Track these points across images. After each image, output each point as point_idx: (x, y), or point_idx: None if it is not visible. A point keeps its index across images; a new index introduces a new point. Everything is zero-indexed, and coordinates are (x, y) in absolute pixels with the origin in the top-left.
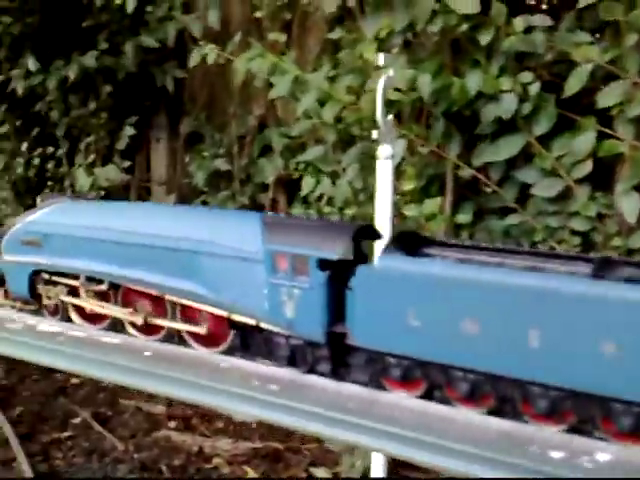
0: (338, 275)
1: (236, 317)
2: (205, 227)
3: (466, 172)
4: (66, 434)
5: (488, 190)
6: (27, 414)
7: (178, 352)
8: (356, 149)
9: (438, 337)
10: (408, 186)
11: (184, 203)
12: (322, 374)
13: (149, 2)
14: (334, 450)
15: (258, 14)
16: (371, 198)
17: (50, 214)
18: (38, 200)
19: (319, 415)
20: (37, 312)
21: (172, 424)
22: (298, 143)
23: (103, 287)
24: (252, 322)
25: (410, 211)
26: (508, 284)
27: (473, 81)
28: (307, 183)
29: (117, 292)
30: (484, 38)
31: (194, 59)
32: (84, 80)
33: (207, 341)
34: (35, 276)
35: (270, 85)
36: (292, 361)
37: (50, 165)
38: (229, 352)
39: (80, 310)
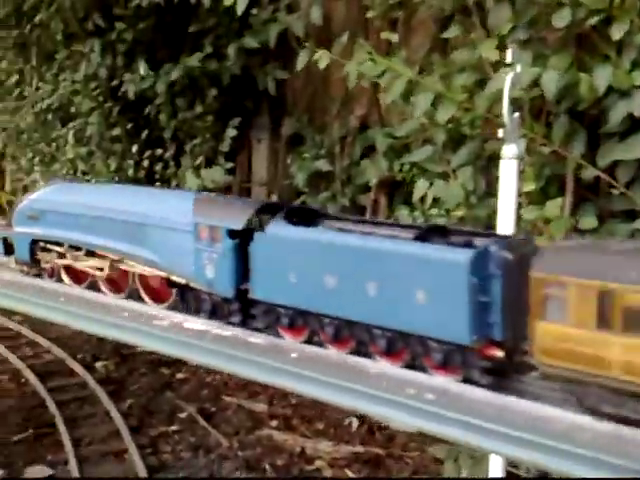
0: (245, 242)
1: (174, 278)
2: (152, 204)
3: (589, 173)
4: (173, 428)
5: (614, 192)
6: (136, 407)
7: (323, 354)
8: (467, 149)
9: (310, 291)
10: (527, 187)
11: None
12: (233, 324)
13: (254, 5)
14: (437, 457)
15: (369, 14)
16: (481, 200)
17: (46, 193)
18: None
19: (479, 427)
20: (39, 275)
21: (273, 423)
22: (402, 144)
23: (81, 253)
24: (184, 282)
25: (529, 214)
26: (352, 246)
27: (603, 77)
28: (419, 186)
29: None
30: (617, 32)
31: (301, 62)
32: (191, 84)
33: (157, 298)
34: (34, 244)
35: (374, 86)
36: (213, 314)
37: (158, 167)
38: (173, 308)
39: (70, 272)
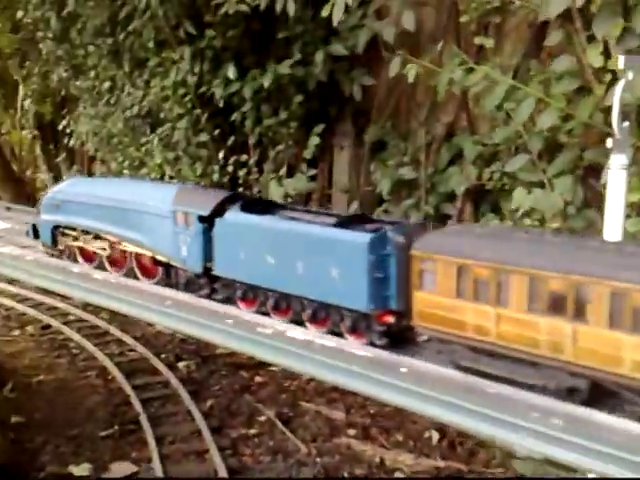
0: (211, 227)
1: (158, 257)
2: (144, 194)
3: None
4: (253, 431)
5: None
6: (217, 408)
7: (435, 371)
8: (564, 158)
9: (256, 268)
10: (632, 198)
11: (366, 211)
12: (202, 296)
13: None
14: (521, 474)
15: (463, 19)
16: (580, 211)
17: (66, 186)
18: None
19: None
20: (59, 256)
21: (351, 432)
22: (492, 152)
23: (90, 237)
24: (165, 260)
25: (633, 226)
26: (284, 230)
27: None
28: (516, 196)
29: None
30: None
31: (392, 69)
32: (277, 90)
33: (148, 274)
34: (56, 230)
35: (464, 92)
36: (187, 286)
37: (242, 172)
38: (159, 283)
39: (83, 253)
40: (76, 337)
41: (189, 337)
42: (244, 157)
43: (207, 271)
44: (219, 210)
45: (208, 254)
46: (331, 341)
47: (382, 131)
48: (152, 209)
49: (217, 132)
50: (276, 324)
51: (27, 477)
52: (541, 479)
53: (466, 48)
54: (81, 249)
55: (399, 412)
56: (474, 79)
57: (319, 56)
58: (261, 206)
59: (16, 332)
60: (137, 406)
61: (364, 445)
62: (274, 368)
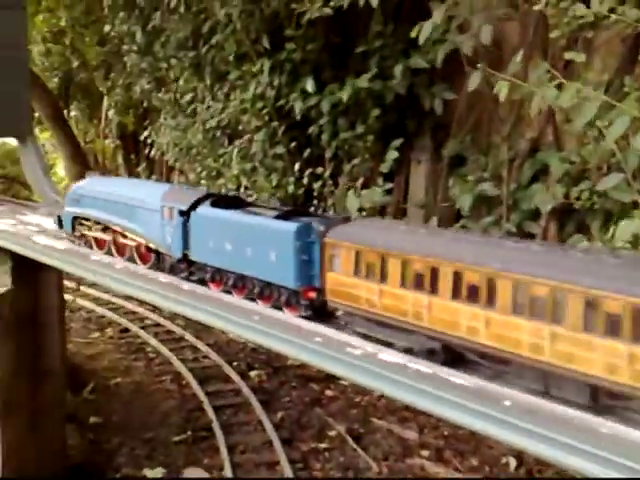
0: (189, 220)
1: (151, 245)
2: (142, 191)
3: None
4: (323, 445)
5: None
6: (287, 419)
7: (535, 405)
8: None
9: (219, 253)
10: None
11: (443, 227)
12: (182, 278)
13: None
14: None
15: (553, 34)
16: None
17: (85, 183)
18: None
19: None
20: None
21: (424, 452)
22: (580, 170)
23: (99, 227)
24: (155, 247)
25: None
26: (237, 221)
27: None
28: (623, 226)
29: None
30: None
31: (473, 83)
32: (354, 104)
33: (144, 260)
34: (75, 220)
35: (550, 108)
36: (172, 270)
37: (317, 185)
38: (152, 267)
39: (97, 241)
40: (153, 341)
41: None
42: (319, 170)
43: (185, 257)
44: (195, 205)
45: (186, 242)
46: (427, 367)
47: (462, 145)
48: (147, 205)
49: (293, 145)
50: (366, 345)
51: (103, 477)
52: None
53: (553, 63)
54: (95, 238)
55: (474, 435)
56: (566, 96)
57: (398, 69)
58: (229, 202)
59: (96, 334)
60: (210, 413)
61: (438, 467)
62: (344, 382)
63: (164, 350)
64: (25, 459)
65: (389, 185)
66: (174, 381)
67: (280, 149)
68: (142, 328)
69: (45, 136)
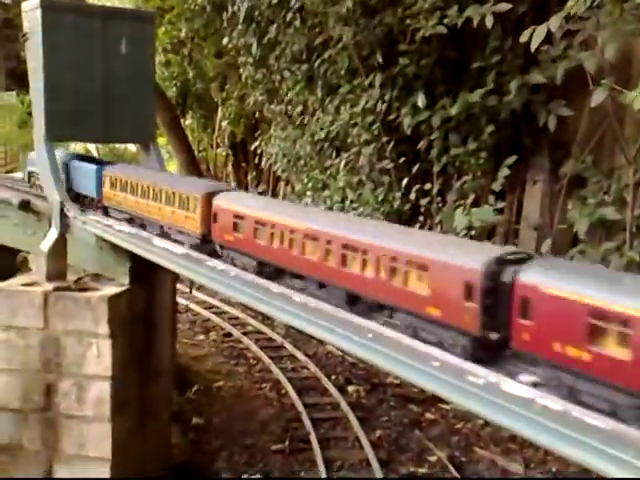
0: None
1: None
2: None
3: None
4: (422, 470)
5: None
6: (385, 439)
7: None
8: None
9: (86, 188)
10: None
11: (559, 252)
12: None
13: (545, 41)
14: None
15: None
16: None
17: (34, 153)
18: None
19: None
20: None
21: None
22: None
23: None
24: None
25: None
26: (85, 167)
27: None
28: None
29: None
30: None
31: (596, 99)
32: (466, 119)
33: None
34: (30, 174)
35: None
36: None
37: (424, 201)
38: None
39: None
40: (253, 348)
41: (360, 361)
42: (427, 185)
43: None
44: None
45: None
46: (556, 403)
47: (582, 166)
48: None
49: (402, 160)
50: (489, 375)
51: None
52: None
53: None
54: (40, 185)
55: (586, 472)
56: None
57: (514, 85)
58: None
59: (201, 337)
60: (308, 425)
61: None
62: (446, 406)
63: (264, 357)
64: (132, 457)
65: (501, 204)
66: (273, 389)
67: (387, 163)
68: (244, 334)
69: (161, 143)
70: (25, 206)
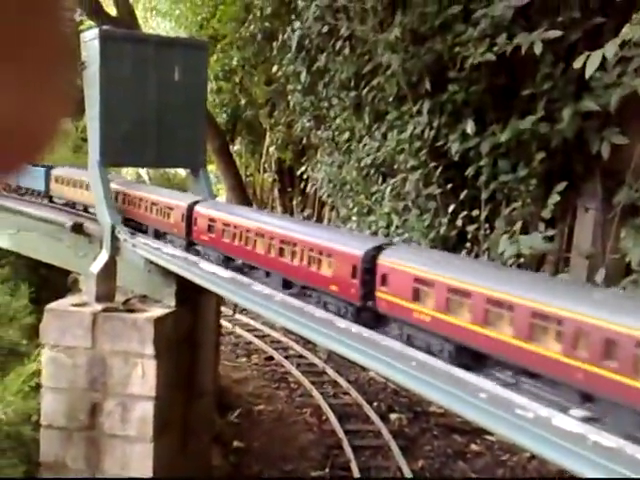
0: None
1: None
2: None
3: None
4: None
5: None
6: (428, 470)
7: None
8: None
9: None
10: None
11: (612, 282)
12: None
13: (599, 68)
14: None
15: None
16: None
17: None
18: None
19: None
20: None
21: None
22: None
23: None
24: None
25: None
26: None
27: None
28: None
29: None
30: None
31: None
32: (516, 146)
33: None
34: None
35: None
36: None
37: (471, 227)
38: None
39: None
40: (295, 372)
41: (403, 389)
42: (475, 212)
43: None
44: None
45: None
46: (609, 440)
47: (636, 195)
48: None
49: (449, 186)
50: (538, 409)
51: None
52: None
53: None
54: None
55: None
56: None
57: (567, 113)
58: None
59: (243, 359)
60: (348, 452)
61: None
62: (491, 437)
63: (306, 382)
64: (173, 478)
65: (551, 232)
66: (314, 414)
67: (434, 189)
68: (286, 358)
69: (210, 168)
70: (77, 229)
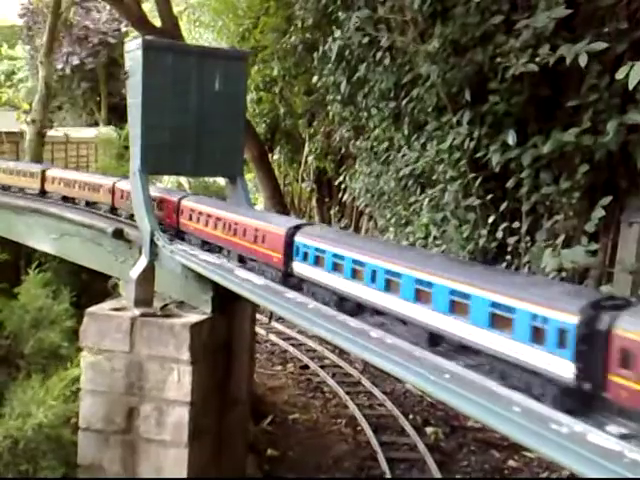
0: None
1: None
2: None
3: None
4: None
5: None
6: None
7: None
8: None
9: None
10: None
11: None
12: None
13: None
14: None
15: None
16: None
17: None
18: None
19: None
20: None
21: None
22: None
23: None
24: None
25: None
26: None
27: None
28: None
29: None
30: None
31: None
32: (559, 158)
33: None
34: None
35: None
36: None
37: (511, 240)
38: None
39: None
40: (330, 382)
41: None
42: (515, 224)
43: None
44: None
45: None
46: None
47: None
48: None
49: (489, 197)
50: (572, 423)
51: None
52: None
53: None
54: None
55: None
56: None
57: (612, 125)
58: None
59: (278, 368)
60: (383, 465)
61: None
62: (530, 454)
63: (341, 392)
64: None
65: (594, 246)
66: (349, 425)
67: (473, 201)
68: (321, 367)
69: (249, 177)
70: (118, 234)
